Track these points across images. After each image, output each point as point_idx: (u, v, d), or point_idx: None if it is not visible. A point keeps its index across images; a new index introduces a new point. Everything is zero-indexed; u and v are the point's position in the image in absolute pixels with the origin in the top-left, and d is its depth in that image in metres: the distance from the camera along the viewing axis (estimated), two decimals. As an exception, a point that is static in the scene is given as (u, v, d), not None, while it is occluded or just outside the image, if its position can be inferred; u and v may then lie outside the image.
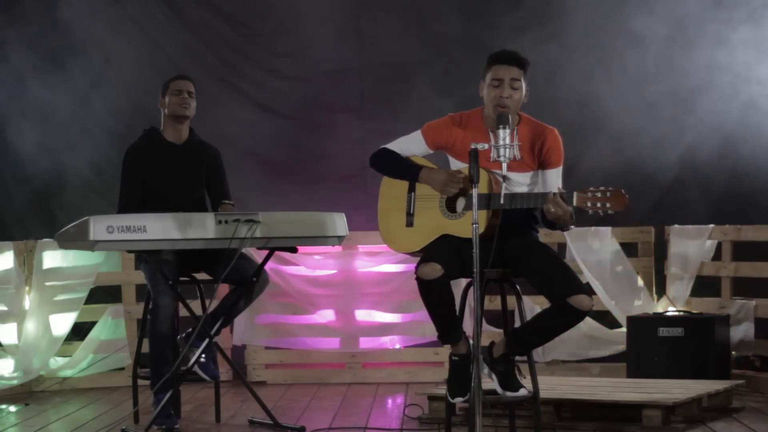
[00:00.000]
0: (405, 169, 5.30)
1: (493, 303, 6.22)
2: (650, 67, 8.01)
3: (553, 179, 5.22)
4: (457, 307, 5.18)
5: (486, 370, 5.14)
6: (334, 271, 7.74)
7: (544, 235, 5.36)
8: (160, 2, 8.35)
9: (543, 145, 5.22)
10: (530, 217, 5.28)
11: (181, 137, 6.29)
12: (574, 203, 4.92)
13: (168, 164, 6.22)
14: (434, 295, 5.06)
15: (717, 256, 7.41)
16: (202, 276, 6.14)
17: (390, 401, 6.97)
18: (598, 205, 4.86)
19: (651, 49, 8.01)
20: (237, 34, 8.42)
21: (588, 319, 6.82)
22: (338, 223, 5.93)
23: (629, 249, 7.61)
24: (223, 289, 6.42)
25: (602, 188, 4.88)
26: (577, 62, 7.97)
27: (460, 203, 5.19)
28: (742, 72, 7.79)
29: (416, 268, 5.05)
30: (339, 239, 5.95)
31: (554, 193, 4.95)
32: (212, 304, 6.01)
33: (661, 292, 7.60)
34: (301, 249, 6.34)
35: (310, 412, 6.60)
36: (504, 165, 4.90)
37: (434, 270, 4.99)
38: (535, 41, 7.90)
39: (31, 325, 7.30)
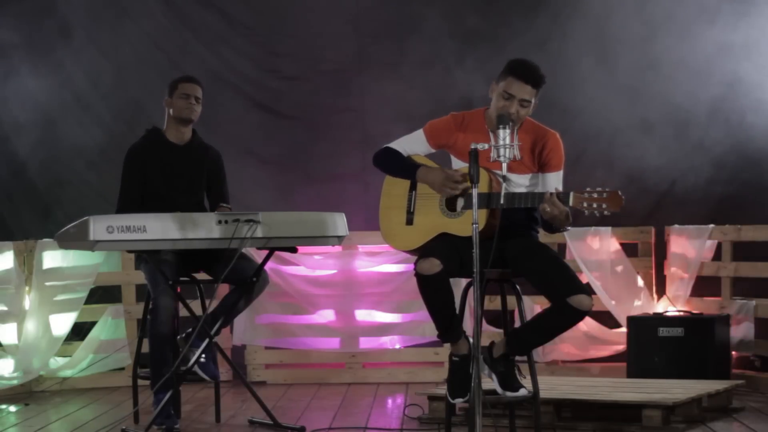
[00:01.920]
0: (404, 168, 5.31)
1: (493, 303, 6.22)
2: (650, 69, 8.01)
3: (553, 183, 5.21)
4: (457, 307, 5.18)
5: (486, 370, 5.14)
6: (334, 271, 7.74)
7: (544, 235, 5.36)
8: (160, 2, 8.35)
9: (543, 148, 5.22)
10: (531, 217, 5.28)
11: (183, 138, 6.28)
12: (571, 203, 4.91)
13: (169, 165, 6.22)
14: (433, 291, 5.06)
15: (717, 256, 7.41)
16: (202, 276, 6.14)
17: (390, 401, 6.97)
18: (595, 206, 4.86)
19: (652, 50, 8.01)
20: (237, 34, 8.41)
21: (588, 319, 6.83)
22: (338, 223, 5.93)
23: (629, 249, 7.61)
24: (223, 289, 6.42)
25: (599, 189, 4.88)
26: (579, 62, 7.98)
27: (460, 202, 5.20)
28: (742, 74, 7.79)
29: (415, 264, 5.06)
30: (339, 239, 5.95)
31: (551, 193, 4.95)
32: (212, 304, 6.01)
33: (661, 292, 7.60)
34: (301, 249, 6.34)
35: (310, 412, 6.60)
36: (504, 165, 4.89)
37: (433, 265, 4.99)
38: (533, 43, 7.91)
39: (31, 325, 7.30)
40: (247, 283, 5.99)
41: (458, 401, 5.19)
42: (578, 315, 5.03)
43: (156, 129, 6.30)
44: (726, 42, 7.79)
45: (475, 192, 4.78)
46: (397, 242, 5.35)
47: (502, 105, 5.14)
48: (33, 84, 8.14)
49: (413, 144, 5.34)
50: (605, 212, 4.85)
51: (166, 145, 6.25)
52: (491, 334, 7.23)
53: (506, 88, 5.14)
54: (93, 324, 7.56)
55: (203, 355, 5.95)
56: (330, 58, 8.34)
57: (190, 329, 5.97)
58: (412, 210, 5.30)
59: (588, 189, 4.89)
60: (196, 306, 6.02)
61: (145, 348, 5.99)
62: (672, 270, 7.54)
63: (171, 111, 6.24)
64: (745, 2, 7.79)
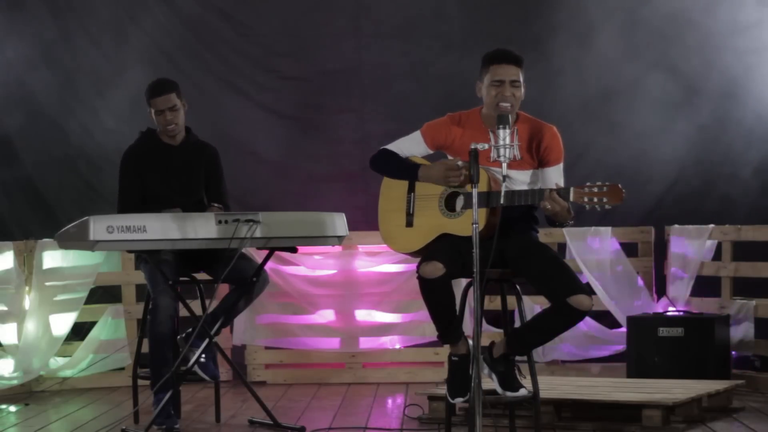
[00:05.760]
0: (404, 169, 5.30)
1: (493, 303, 6.22)
2: (651, 68, 8.01)
3: (553, 177, 5.22)
4: (457, 307, 5.18)
5: (486, 370, 5.15)
6: (334, 271, 7.74)
7: (544, 235, 5.37)
8: (160, 2, 8.35)
9: (541, 143, 5.23)
10: (530, 216, 5.28)
11: (177, 139, 6.27)
12: (571, 198, 4.92)
13: (166, 166, 6.21)
14: (436, 294, 5.07)
15: (717, 256, 7.41)
16: (202, 276, 6.14)
17: (390, 401, 6.97)
18: (595, 200, 4.87)
19: (652, 50, 8.01)
20: (237, 34, 8.40)
21: (588, 319, 6.83)
22: (338, 223, 5.94)
23: (629, 249, 7.60)
24: (223, 289, 6.42)
25: (599, 183, 4.89)
26: (580, 61, 7.97)
27: (459, 202, 5.20)
28: (743, 73, 7.79)
29: (418, 266, 5.06)
30: (339, 239, 5.96)
31: (551, 190, 4.96)
32: (212, 304, 6.01)
33: (661, 292, 7.60)
34: (301, 249, 6.34)
35: (310, 412, 6.60)
36: (504, 165, 4.90)
37: (436, 269, 5.00)
38: (538, 37, 7.91)
39: (31, 325, 7.30)
40: (247, 283, 5.99)
41: (458, 401, 5.19)
42: (578, 315, 5.03)
43: (151, 130, 6.29)
44: (727, 41, 7.78)
45: (475, 192, 4.78)
46: (397, 244, 5.35)
47: (495, 94, 5.15)
48: (33, 84, 8.13)
49: (410, 145, 5.34)
50: (606, 206, 4.86)
51: (161, 146, 6.24)
52: (491, 334, 7.23)
53: (493, 77, 5.18)
54: (93, 324, 7.56)
55: (203, 355, 5.95)
56: (330, 58, 8.33)
57: (190, 329, 5.97)
58: (411, 211, 5.30)
59: (588, 183, 4.91)
60: (196, 306, 6.02)
61: (145, 348, 5.99)
62: (672, 270, 7.54)
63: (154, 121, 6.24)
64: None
